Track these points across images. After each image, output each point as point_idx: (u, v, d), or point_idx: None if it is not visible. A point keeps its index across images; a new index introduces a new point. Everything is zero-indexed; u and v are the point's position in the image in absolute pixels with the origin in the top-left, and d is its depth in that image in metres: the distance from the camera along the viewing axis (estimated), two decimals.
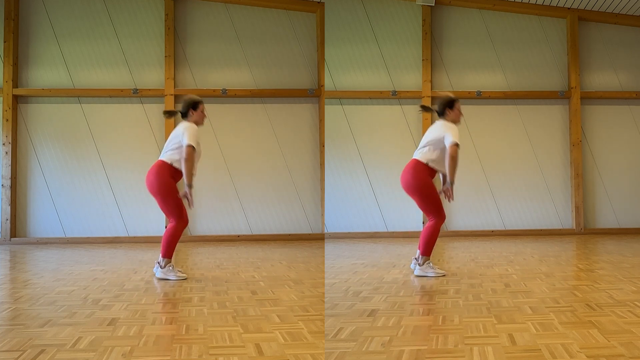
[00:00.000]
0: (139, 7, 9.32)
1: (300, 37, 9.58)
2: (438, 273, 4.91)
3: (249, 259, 6.52)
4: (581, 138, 9.71)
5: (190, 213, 9.23)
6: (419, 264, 4.94)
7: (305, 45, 9.59)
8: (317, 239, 9.28)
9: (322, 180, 9.36)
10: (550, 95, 9.66)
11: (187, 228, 9.20)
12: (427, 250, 4.93)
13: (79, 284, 4.67)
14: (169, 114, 5.28)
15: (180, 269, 5.30)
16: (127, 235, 9.10)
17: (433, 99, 9.56)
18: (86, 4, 9.25)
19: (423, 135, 9.44)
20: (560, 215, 9.68)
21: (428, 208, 4.93)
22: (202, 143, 9.23)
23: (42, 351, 2.65)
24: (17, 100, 9.06)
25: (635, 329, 2.93)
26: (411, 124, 9.58)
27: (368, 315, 3.34)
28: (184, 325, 3.15)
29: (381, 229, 9.53)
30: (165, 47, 9.19)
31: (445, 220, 9.52)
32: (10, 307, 3.71)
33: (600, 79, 9.86)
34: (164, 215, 9.05)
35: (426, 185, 4.88)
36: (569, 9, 9.69)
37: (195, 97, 5.10)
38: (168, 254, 4.92)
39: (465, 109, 9.67)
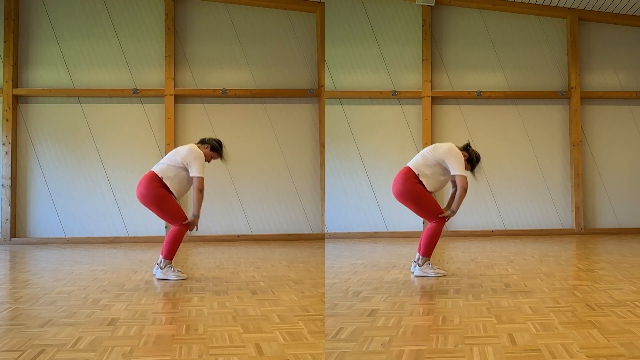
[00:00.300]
0: (139, 7, 9.32)
1: (300, 37, 9.58)
2: (438, 273, 4.90)
3: (249, 259, 6.52)
4: (581, 138, 9.71)
5: (190, 213, 9.23)
6: (419, 264, 4.94)
7: (305, 45, 9.59)
8: (317, 239, 9.28)
9: (322, 180, 9.36)
10: (550, 95, 9.66)
11: None
12: (427, 252, 4.92)
13: (79, 284, 4.67)
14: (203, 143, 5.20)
15: (180, 270, 5.30)
16: (127, 235, 9.10)
17: (433, 99, 9.57)
18: (86, 4, 9.25)
19: (423, 137, 9.45)
20: (560, 215, 9.68)
21: (425, 213, 4.88)
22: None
23: (42, 351, 2.65)
24: (17, 100, 9.06)
25: (635, 329, 2.93)
26: (411, 124, 9.58)
27: (368, 315, 3.34)
28: (184, 325, 3.15)
29: (381, 229, 9.53)
30: (165, 47, 9.19)
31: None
32: (10, 307, 3.71)
33: (600, 79, 9.86)
34: None
35: (417, 191, 4.80)
36: (569, 9, 9.69)
37: (219, 141, 5.16)
38: (170, 255, 4.91)
39: (465, 109, 9.68)
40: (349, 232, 9.46)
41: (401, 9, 9.70)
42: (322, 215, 9.33)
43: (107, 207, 9.13)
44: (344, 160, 9.59)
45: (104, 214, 9.11)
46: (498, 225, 9.62)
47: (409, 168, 4.89)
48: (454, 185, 5.00)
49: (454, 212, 4.92)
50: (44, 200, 9.05)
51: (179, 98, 9.25)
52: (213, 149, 5.11)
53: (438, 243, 8.20)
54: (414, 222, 9.50)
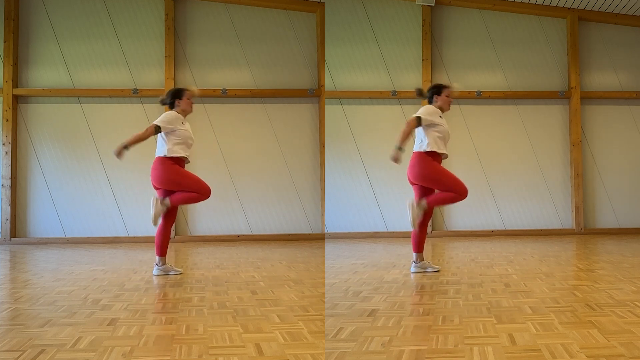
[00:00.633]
0: (139, 7, 9.32)
1: (300, 37, 9.58)
2: (433, 268, 5.11)
3: (249, 259, 6.52)
4: (581, 138, 9.71)
5: (190, 213, 9.24)
6: (413, 261, 5.14)
7: (305, 45, 9.59)
8: (317, 239, 9.28)
9: (322, 180, 9.36)
10: (550, 95, 9.66)
11: (187, 228, 9.20)
12: (419, 247, 5.10)
13: (79, 284, 4.67)
14: (162, 102, 5.29)
15: (178, 270, 5.31)
16: (127, 235, 9.10)
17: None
18: (86, 4, 9.25)
19: None
20: (560, 215, 9.68)
21: (446, 186, 4.91)
22: (201, 142, 9.24)
23: (42, 351, 2.65)
24: (17, 100, 9.06)
25: (635, 329, 2.93)
26: None
27: (368, 315, 3.34)
28: (184, 325, 3.15)
29: (381, 229, 9.53)
30: (165, 47, 9.19)
31: (445, 221, 9.53)
32: (10, 307, 3.71)
33: (600, 79, 9.86)
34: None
35: (434, 169, 4.91)
36: (569, 9, 9.69)
37: (180, 87, 5.26)
38: (160, 251, 5.10)
39: (465, 109, 9.68)
40: (349, 232, 9.46)
41: (401, 9, 9.70)
42: (322, 215, 9.33)
43: (107, 207, 9.13)
44: (344, 160, 9.59)
45: (104, 214, 9.11)
46: (498, 225, 9.62)
47: (418, 152, 4.98)
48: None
49: (399, 149, 4.88)
50: (44, 200, 9.05)
51: None
52: (177, 96, 5.12)
53: (438, 243, 8.20)
54: None
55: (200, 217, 9.26)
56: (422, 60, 9.57)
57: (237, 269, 5.58)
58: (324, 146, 9.33)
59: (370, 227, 9.53)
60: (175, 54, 9.30)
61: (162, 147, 4.98)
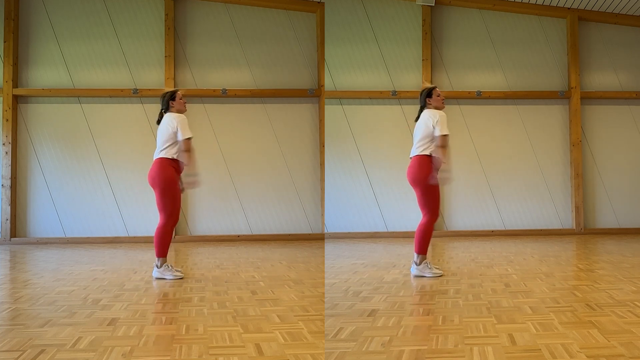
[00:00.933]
0: (139, 7, 9.32)
1: (300, 37, 9.58)
2: (435, 273, 4.92)
3: (249, 259, 6.52)
4: (581, 138, 9.71)
5: (190, 213, 9.24)
6: (416, 263, 4.96)
7: (305, 45, 9.59)
8: (317, 239, 9.28)
9: (322, 180, 9.36)
10: (550, 95, 9.66)
11: (187, 228, 9.20)
12: (422, 249, 4.96)
13: (79, 284, 4.67)
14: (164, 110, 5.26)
15: (178, 269, 5.30)
16: (127, 235, 9.10)
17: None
18: (86, 4, 9.25)
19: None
20: (560, 215, 9.68)
21: (427, 203, 4.94)
22: (201, 142, 9.25)
23: (42, 351, 2.65)
24: (17, 100, 9.06)
25: (635, 329, 2.93)
26: (411, 124, 9.57)
27: (368, 315, 3.34)
28: (184, 325, 3.15)
29: (381, 229, 9.53)
30: (165, 47, 9.19)
31: (445, 221, 9.54)
32: (10, 307, 3.71)
33: (600, 79, 9.86)
34: None
35: (431, 180, 4.90)
36: (569, 9, 9.69)
37: (169, 90, 5.17)
38: (162, 253, 4.99)
39: (465, 109, 9.68)
40: (349, 232, 9.46)
41: (401, 9, 9.70)
42: (322, 215, 9.33)
43: (107, 207, 9.13)
44: (344, 160, 9.59)
45: (104, 214, 9.11)
46: (498, 225, 9.62)
47: (422, 155, 4.95)
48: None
49: (448, 171, 4.97)
50: (44, 200, 9.05)
51: None
52: (171, 98, 5.08)
53: (438, 243, 8.20)
54: (414, 222, 9.50)
55: (200, 217, 9.26)
56: (422, 60, 9.57)
57: (237, 269, 5.58)
58: (324, 146, 9.33)
59: (370, 227, 9.53)
60: (175, 54, 9.30)
61: (169, 149, 4.93)
